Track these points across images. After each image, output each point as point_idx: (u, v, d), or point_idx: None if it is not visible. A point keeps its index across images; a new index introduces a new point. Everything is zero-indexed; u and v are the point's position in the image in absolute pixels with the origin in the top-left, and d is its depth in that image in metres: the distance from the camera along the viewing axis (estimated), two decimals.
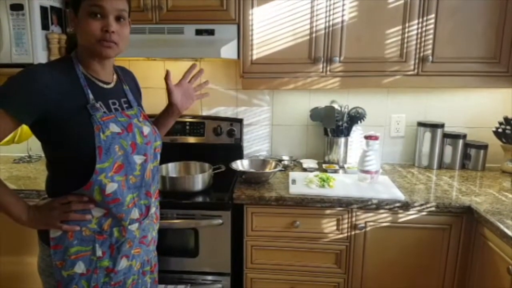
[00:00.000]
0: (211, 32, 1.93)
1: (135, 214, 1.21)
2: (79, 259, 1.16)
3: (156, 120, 1.47)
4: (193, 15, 1.94)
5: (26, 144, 2.38)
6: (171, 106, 1.41)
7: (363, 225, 1.75)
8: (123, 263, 1.22)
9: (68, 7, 1.17)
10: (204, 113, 2.42)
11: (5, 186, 1.12)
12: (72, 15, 1.15)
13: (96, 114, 1.12)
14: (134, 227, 1.22)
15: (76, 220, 1.14)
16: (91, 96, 1.14)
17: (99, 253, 1.17)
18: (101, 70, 1.20)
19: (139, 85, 1.43)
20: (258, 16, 1.93)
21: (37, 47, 1.86)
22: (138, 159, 1.20)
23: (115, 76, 1.27)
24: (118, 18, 1.13)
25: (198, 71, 1.44)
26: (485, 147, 2.18)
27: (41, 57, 1.88)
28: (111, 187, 1.13)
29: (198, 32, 1.94)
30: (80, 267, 1.16)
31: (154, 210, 1.33)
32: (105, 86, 1.21)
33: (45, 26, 1.89)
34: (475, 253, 1.65)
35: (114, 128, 1.15)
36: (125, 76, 1.34)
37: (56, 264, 1.15)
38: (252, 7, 1.92)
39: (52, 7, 1.92)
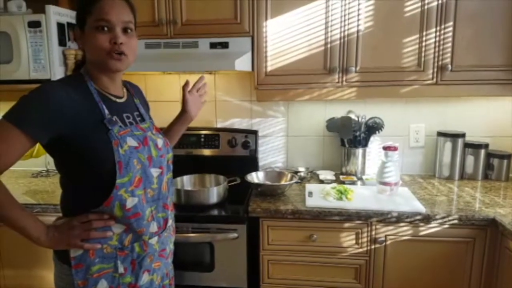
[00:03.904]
0: (225, 45, 1.94)
1: (153, 227, 1.21)
2: (101, 277, 1.15)
3: (169, 128, 1.54)
4: (207, 29, 1.95)
5: (45, 158, 2.41)
6: (184, 113, 1.51)
7: (383, 238, 1.70)
8: (145, 278, 1.21)
9: (73, 27, 1.19)
10: (219, 125, 2.41)
11: (22, 207, 1.10)
12: (78, 33, 1.16)
13: (114, 128, 1.12)
14: (154, 240, 1.22)
15: (97, 237, 1.13)
16: (106, 111, 1.14)
17: (121, 269, 1.16)
18: (111, 85, 1.21)
19: (146, 99, 1.46)
20: (272, 28, 1.93)
21: (54, 63, 1.88)
22: (154, 172, 1.20)
23: (125, 90, 1.29)
24: (125, 30, 1.14)
25: (204, 83, 1.56)
26: (508, 156, 2.11)
27: (58, 73, 1.90)
28: (131, 202, 1.13)
29: (213, 46, 1.95)
30: (103, 285, 1.15)
31: (171, 222, 1.33)
32: (118, 100, 1.22)
33: (61, 42, 1.91)
34: (501, 267, 1.58)
35: (131, 142, 1.15)
36: (133, 90, 1.36)
37: (78, 283, 1.13)
38: (266, 19, 1.92)
39: (68, 23, 1.95)
